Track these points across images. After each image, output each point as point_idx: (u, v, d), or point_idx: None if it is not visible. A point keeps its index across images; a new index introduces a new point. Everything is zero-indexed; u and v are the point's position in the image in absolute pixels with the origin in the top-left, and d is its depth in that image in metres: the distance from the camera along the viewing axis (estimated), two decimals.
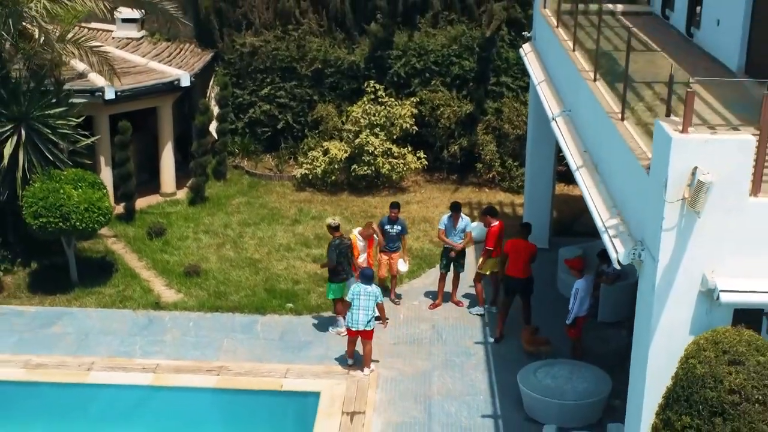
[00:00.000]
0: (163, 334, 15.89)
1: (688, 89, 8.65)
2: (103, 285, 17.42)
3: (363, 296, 14.51)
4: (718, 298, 8.64)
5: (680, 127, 8.58)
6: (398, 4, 22.47)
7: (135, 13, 22.20)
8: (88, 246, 18.57)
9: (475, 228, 17.02)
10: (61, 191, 16.44)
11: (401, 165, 21.82)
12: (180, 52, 22.89)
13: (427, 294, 17.33)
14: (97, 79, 19.56)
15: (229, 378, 14.59)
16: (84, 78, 19.68)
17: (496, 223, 16.30)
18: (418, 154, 22.16)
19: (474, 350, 15.53)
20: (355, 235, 16.35)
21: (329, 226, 15.92)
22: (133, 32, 23.33)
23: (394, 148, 21.83)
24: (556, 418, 13.07)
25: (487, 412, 13.77)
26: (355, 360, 14.87)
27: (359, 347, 14.78)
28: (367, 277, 14.64)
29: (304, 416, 13.71)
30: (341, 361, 15.02)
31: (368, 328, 14.54)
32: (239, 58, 23.08)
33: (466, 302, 17.01)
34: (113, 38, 23.13)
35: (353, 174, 21.87)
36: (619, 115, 10.96)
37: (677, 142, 8.45)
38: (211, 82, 23.44)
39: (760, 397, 7.89)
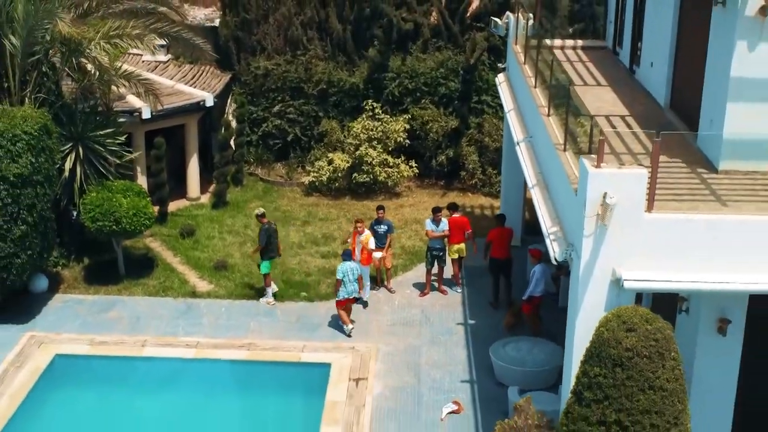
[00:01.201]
0: (200, 318, 19.28)
1: (601, 137, 12.03)
2: (147, 277, 20.80)
3: (349, 272, 18.21)
4: (623, 285, 12.05)
5: (595, 163, 11.97)
6: (393, 32, 25.77)
7: (163, 41, 25.39)
8: (131, 244, 21.86)
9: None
10: (113, 199, 19.80)
11: (396, 173, 25.18)
12: (202, 74, 26.16)
13: (417, 284, 20.73)
14: (134, 101, 22.86)
15: (257, 352, 17.99)
16: (123, 100, 22.95)
17: (457, 215, 20.04)
18: (410, 164, 25.51)
19: (455, 330, 18.95)
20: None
21: (257, 215, 19.97)
22: (161, 56, 26.55)
23: (390, 159, 25.18)
24: (519, 382, 16.39)
25: (464, 378, 17.19)
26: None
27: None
28: (347, 254, 18.58)
29: (318, 382, 17.05)
30: (347, 338, 18.46)
31: (356, 296, 18.57)
32: (254, 79, 26.39)
33: (449, 290, 20.47)
34: (143, 62, 26.34)
35: (354, 181, 25.23)
36: (563, 146, 14.34)
37: (592, 175, 11.84)
38: (229, 100, 26.75)
39: (647, 353, 11.25)
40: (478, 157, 25.52)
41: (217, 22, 28.65)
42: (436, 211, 20.11)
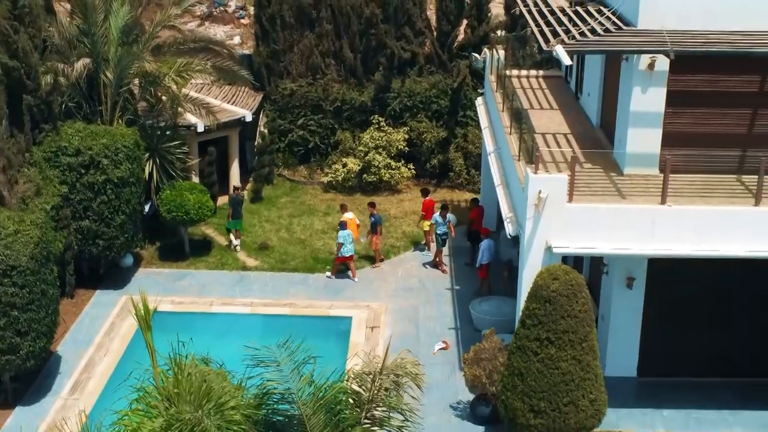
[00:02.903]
0: (251, 285, 25.42)
1: (537, 153, 18.19)
2: (207, 256, 26.93)
3: (347, 237, 24.92)
4: (552, 250, 18.23)
5: (534, 170, 18.13)
6: (394, 60, 31.86)
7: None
8: (192, 231, 27.88)
9: (452, 218, 26.81)
10: (183, 196, 25.86)
11: (397, 174, 31.28)
12: (239, 94, 32.20)
13: (414, 261, 26.85)
14: (190, 118, 28.88)
15: (297, 309, 24.13)
16: (181, 116, 28.97)
17: (427, 198, 26.56)
18: (408, 166, 31.59)
19: (445, 294, 25.11)
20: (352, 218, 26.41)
21: (234, 187, 27.49)
22: (199, 78, 32.47)
23: (392, 163, 31.27)
24: (490, 328, 22.49)
25: (451, 326, 23.36)
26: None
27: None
28: (343, 225, 25.29)
29: (344, 330, 23.21)
30: (364, 297, 24.62)
31: (353, 253, 24.98)
32: (281, 98, 32.40)
33: (423, 253, 26.88)
34: (190, 84, 32.27)
35: (364, 180, 31.31)
36: (517, 157, 20.49)
37: (532, 178, 18.01)
38: (261, 115, 32.80)
39: (566, 293, 17.29)
40: (463, 161, 31.59)
41: (236, 39, 34.67)
42: (444, 208, 26.24)
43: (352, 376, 11.24)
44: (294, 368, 11.08)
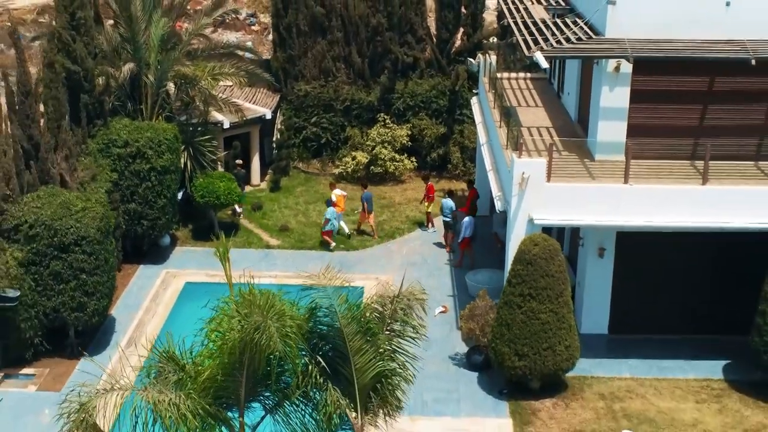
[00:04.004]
0: (274, 261, 29.05)
1: (521, 141, 21.84)
2: (234, 236, 30.54)
3: (333, 213, 28.52)
4: (533, 222, 21.88)
5: (519, 155, 21.79)
6: (398, 64, 35.49)
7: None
8: (220, 214, 31.45)
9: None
10: (214, 183, 29.49)
11: (401, 166, 34.89)
12: (259, 95, 35.82)
13: (418, 240, 30.48)
14: (217, 115, 32.50)
15: (316, 280, 27.64)
16: (208, 113, 32.56)
17: (429, 183, 30.24)
18: (411, 159, 35.21)
19: (444, 268, 28.74)
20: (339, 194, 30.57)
21: (236, 164, 31.46)
22: (227, 80, 36.16)
23: (396, 156, 34.86)
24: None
25: (449, 294, 27.00)
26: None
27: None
28: (329, 202, 29.41)
29: (356, 298, 26.72)
30: (374, 270, 28.25)
31: (335, 228, 29.04)
32: (297, 98, 35.97)
33: (426, 230, 30.68)
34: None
35: (371, 172, 34.92)
36: (506, 146, 24.14)
37: (516, 162, 21.66)
38: (278, 113, 36.42)
39: (544, 257, 20.87)
40: (460, 154, 35.20)
41: (248, 44, 38.31)
42: (450, 194, 29.84)
43: (376, 298, 14.90)
44: (334, 290, 14.70)
